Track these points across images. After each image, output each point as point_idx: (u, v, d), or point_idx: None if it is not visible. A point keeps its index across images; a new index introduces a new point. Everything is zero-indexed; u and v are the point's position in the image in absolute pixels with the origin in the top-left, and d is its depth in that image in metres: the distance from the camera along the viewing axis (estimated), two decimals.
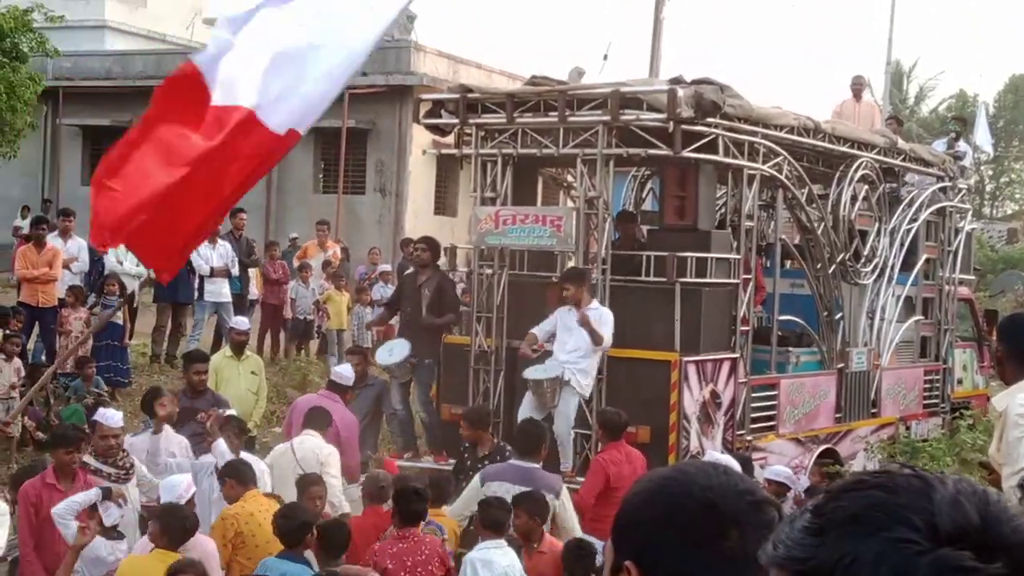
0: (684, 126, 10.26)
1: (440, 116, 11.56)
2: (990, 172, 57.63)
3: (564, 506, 8.26)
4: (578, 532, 8.13)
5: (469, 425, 9.42)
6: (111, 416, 8.23)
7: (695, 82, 10.53)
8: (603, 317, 10.04)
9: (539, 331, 10.27)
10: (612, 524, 1.80)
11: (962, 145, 17.50)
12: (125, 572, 6.69)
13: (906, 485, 1.31)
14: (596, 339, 9.94)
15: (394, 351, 10.95)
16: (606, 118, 10.35)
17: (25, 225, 22.69)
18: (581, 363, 10.04)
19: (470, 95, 11.27)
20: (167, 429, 8.86)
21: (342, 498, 8.71)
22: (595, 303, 10.14)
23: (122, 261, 15.03)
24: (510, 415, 10.72)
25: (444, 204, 25.29)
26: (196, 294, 15.57)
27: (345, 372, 10.54)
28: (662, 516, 1.73)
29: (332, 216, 22.29)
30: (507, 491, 7.98)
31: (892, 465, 1.38)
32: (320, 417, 9.20)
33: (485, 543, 7.23)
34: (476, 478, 8.29)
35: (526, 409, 10.06)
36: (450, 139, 12.15)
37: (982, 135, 21.63)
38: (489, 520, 7.30)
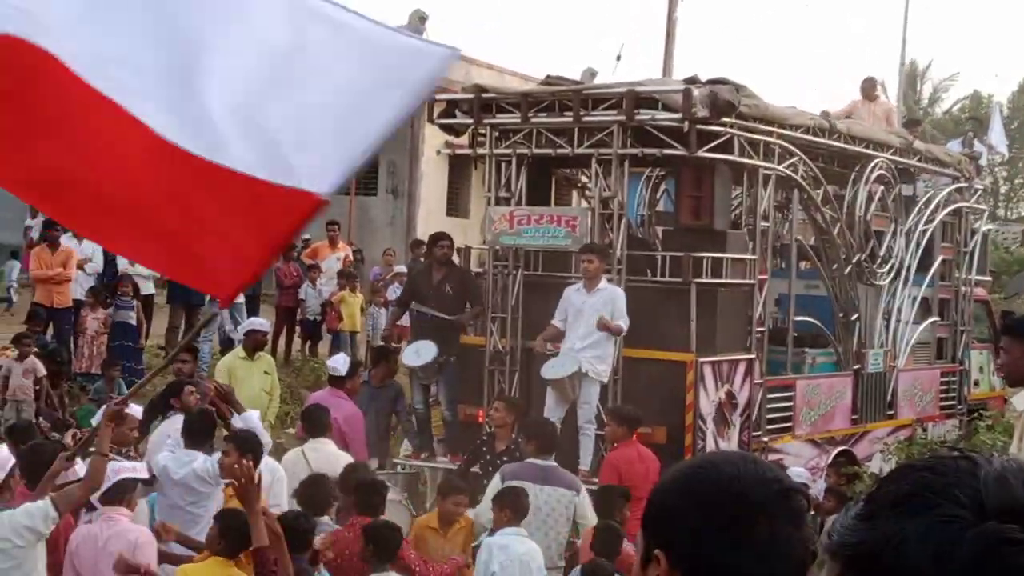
0: (699, 126, 10.23)
1: (454, 116, 11.55)
2: (1004, 174, 57.43)
3: (584, 503, 8.27)
4: (591, 521, 8.17)
5: (506, 410, 9.40)
6: (134, 408, 8.37)
7: (710, 82, 10.50)
8: (615, 299, 9.99)
9: (558, 322, 10.24)
10: (642, 513, 1.80)
11: (977, 146, 17.44)
12: None
13: (954, 466, 1.33)
14: (615, 331, 9.93)
15: (421, 352, 10.84)
16: (621, 118, 10.32)
17: (36, 225, 22.71)
18: (596, 349, 10.00)
19: (484, 95, 11.25)
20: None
21: None
22: (604, 282, 10.10)
23: (134, 262, 15.05)
24: (527, 415, 10.69)
25: (456, 205, 25.27)
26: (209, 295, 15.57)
27: (337, 363, 10.51)
28: (691, 505, 1.74)
29: (344, 217, 22.28)
30: (528, 489, 7.98)
31: (942, 450, 1.40)
32: (315, 417, 9.06)
33: (505, 529, 7.32)
34: (496, 477, 8.28)
35: (551, 407, 10.04)
36: (464, 139, 12.12)
37: (997, 136, 21.54)
38: (512, 506, 7.40)
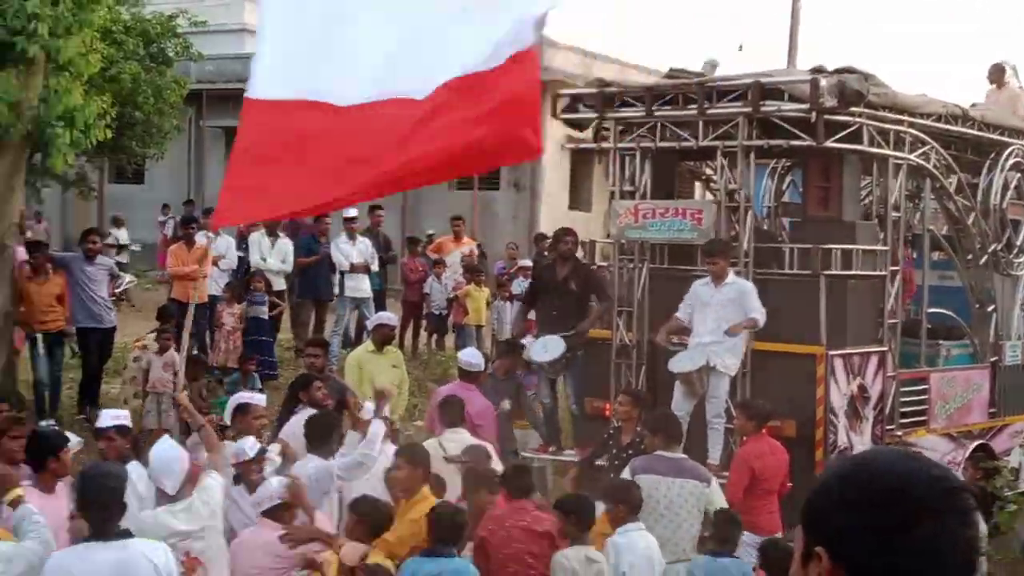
0: (827, 116, 10.07)
1: (577, 111, 11.56)
2: None
3: (715, 494, 8.24)
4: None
5: (631, 404, 9.39)
6: (258, 398, 8.63)
7: (838, 71, 10.32)
8: (744, 293, 9.92)
9: (683, 314, 10.21)
10: (802, 509, 1.81)
11: None
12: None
13: None
14: (751, 327, 9.86)
15: (549, 347, 10.92)
16: (747, 109, 10.22)
17: (169, 222, 23.49)
18: (725, 342, 9.93)
19: (608, 89, 11.24)
20: None
21: None
22: (732, 275, 10.03)
23: (265, 258, 15.42)
24: (652, 410, 10.68)
25: (578, 199, 25.29)
26: (337, 290, 15.89)
27: (472, 358, 10.61)
28: (851, 502, 1.73)
29: (467, 212, 22.47)
30: (657, 483, 7.97)
31: None
32: (453, 408, 9.19)
33: (626, 526, 7.37)
34: (626, 471, 8.29)
35: (678, 400, 10.01)
36: (587, 134, 12.13)
37: None
38: (625, 501, 7.45)
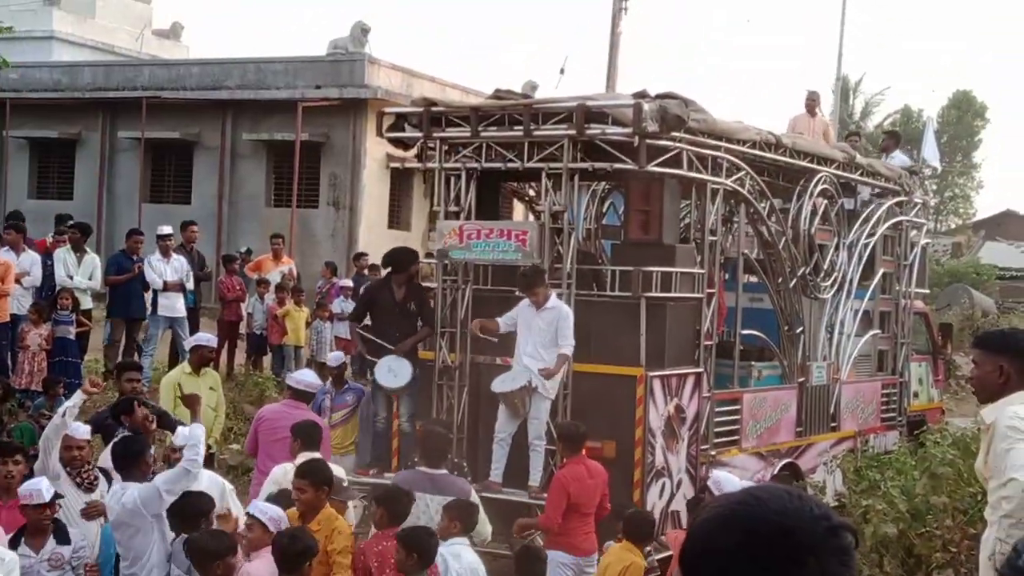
0: (649, 140, 10.24)
1: (403, 130, 11.46)
2: (934, 187, 58.42)
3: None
4: (488, 533, 8.34)
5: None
6: (77, 428, 8.21)
7: (659, 96, 10.52)
8: (559, 319, 9.97)
9: (502, 320, 10.26)
10: (680, 551, 1.76)
11: (899, 158, 17.61)
12: None
13: None
14: (560, 363, 9.95)
15: (397, 372, 10.81)
16: (571, 132, 10.31)
17: None
18: (544, 365, 9.98)
19: (434, 108, 11.18)
20: None
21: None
22: (553, 298, 10.09)
23: (72, 275, 14.80)
24: (475, 430, 10.66)
25: (398, 218, 25.17)
26: (150, 309, 15.36)
27: (310, 378, 10.43)
28: (736, 543, 1.68)
29: (285, 230, 22.09)
30: (419, 499, 8.02)
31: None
32: (312, 432, 8.97)
33: (454, 539, 7.51)
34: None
35: (503, 422, 10.03)
36: (409, 153, 12.04)
37: (930, 150, 21.78)
38: (460, 519, 7.62)
